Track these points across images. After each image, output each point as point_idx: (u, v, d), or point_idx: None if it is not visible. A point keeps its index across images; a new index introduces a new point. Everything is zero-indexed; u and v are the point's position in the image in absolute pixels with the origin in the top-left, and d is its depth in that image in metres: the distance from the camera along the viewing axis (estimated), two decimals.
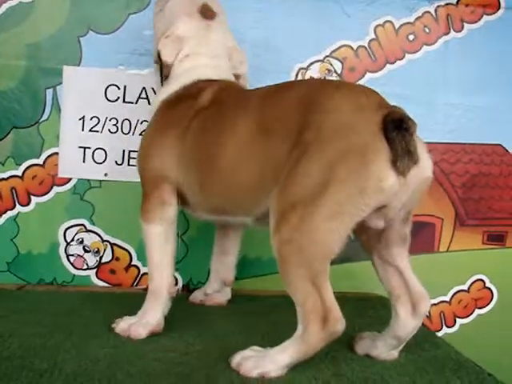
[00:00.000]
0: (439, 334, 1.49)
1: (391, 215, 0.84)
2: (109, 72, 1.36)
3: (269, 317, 1.15)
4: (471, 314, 1.52)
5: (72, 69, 1.35)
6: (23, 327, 0.99)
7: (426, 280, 1.44)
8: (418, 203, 0.89)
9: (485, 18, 1.47)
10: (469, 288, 1.51)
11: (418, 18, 1.45)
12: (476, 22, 1.47)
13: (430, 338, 1.07)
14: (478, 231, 1.50)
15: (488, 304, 1.53)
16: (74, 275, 1.39)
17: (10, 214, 1.36)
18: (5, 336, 0.94)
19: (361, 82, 1.43)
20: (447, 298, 1.51)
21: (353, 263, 1.43)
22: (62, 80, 1.35)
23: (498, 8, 1.47)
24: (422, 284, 0.92)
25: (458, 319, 1.52)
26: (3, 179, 1.35)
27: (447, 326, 1.52)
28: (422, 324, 1.20)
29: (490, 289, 1.52)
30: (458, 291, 1.51)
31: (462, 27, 1.47)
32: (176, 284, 1.39)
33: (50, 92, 1.35)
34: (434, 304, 1.50)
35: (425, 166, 0.83)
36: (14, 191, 1.36)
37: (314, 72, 1.43)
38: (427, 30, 1.46)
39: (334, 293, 0.84)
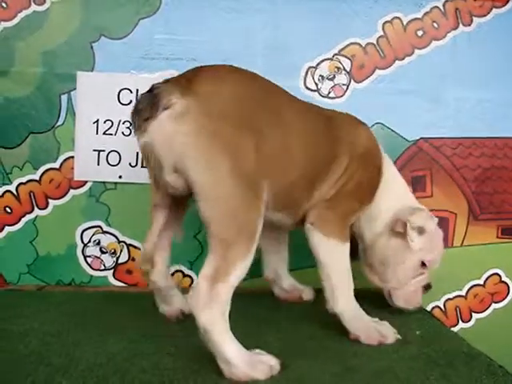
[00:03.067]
0: (455, 329, 1.48)
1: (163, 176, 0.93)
2: (121, 76, 1.39)
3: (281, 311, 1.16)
4: (487, 308, 1.51)
5: (85, 74, 1.38)
6: (42, 326, 1.02)
7: (441, 275, 1.44)
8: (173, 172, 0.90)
9: (494, 11, 1.46)
10: (484, 282, 1.50)
11: (426, 14, 1.45)
12: (485, 15, 1.46)
13: (443, 332, 1.08)
14: (491, 225, 1.49)
15: (504, 298, 1.52)
16: (92, 276, 1.42)
17: (28, 217, 1.39)
18: (25, 334, 0.96)
19: (370, 79, 1.44)
20: (463, 293, 1.50)
21: None
22: (76, 85, 1.38)
23: (508, 1, 1.46)
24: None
25: (474, 314, 1.51)
26: (22, 183, 1.39)
27: (463, 321, 1.51)
28: (434, 317, 1.21)
29: (505, 283, 1.51)
30: (474, 286, 1.50)
31: (471, 21, 1.46)
32: (191, 283, 1.42)
33: (64, 97, 1.38)
34: (450, 299, 1.50)
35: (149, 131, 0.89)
36: (32, 195, 1.39)
37: (323, 70, 1.43)
38: (436, 25, 1.45)
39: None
